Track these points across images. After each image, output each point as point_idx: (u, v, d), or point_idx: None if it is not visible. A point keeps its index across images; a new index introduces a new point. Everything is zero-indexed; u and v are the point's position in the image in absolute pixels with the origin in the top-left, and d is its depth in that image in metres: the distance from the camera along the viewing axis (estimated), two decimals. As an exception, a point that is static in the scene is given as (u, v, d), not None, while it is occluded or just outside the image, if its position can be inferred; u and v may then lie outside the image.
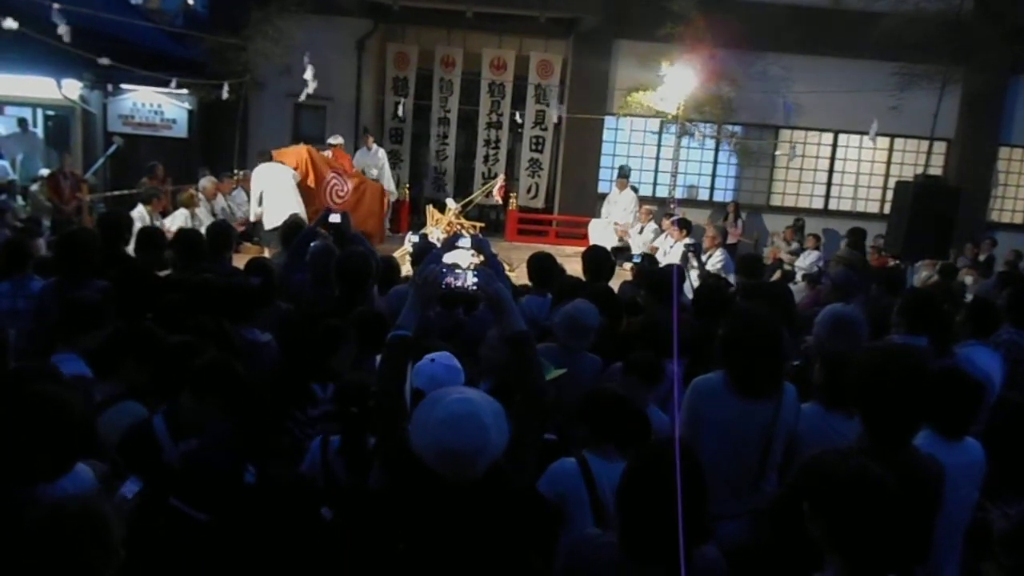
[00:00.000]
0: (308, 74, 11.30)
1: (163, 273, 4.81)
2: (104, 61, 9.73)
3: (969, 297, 7.43)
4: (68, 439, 2.20)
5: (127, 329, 3.33)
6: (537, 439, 2.33)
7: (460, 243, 2.91)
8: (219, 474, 2.56)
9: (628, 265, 8.44)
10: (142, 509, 2.29)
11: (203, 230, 6.20)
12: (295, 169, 10.03)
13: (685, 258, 8.29)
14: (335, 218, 5.45)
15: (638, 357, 3.54)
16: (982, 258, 12.05)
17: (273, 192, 9.69)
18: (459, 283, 2.35)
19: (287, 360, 3.84)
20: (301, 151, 10.37)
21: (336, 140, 11.38)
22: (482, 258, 3.04)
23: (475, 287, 2.35)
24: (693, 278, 7.51)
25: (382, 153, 12.69)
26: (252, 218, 10.01)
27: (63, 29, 8.41)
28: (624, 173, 12.72)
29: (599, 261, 5.43)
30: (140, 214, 8.27)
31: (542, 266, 5.09)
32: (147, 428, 2.79)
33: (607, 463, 2.76)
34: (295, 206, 9.37)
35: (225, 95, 11.67)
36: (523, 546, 2.06)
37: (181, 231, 5.63)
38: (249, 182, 10.36)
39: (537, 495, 2.60)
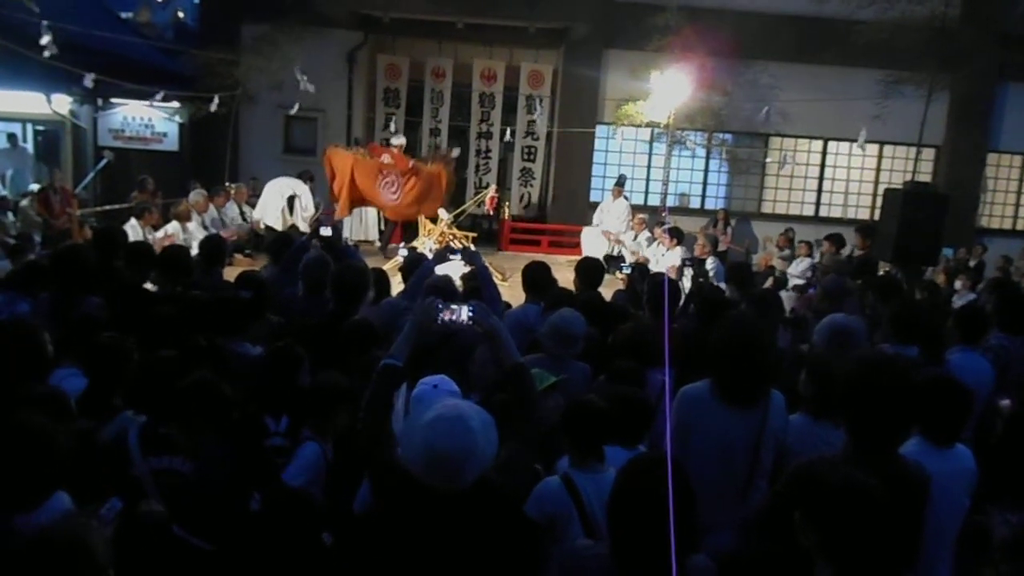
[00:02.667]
0: (303, 84, 11.40)
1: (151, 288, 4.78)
2: (88, 82, 9.65)
3: (958, 302, 7.47)
4: (49, 470, 2.17)
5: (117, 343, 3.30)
6: (529, 466, 2.34)
7: (451, 255, 2.92)
8: (220, 501, 2.51)
9: (620, 274, 8.45)
10: (128, 531, 2.26)
11: (195, 244, 6.20)
12: (331, 177, 10.59)
13: (681, 271, 8.33)
14: (326, 231, 5.46)
15: (622, 366, 3.54)
16: (972, 264, 12.10)
17: (272, 196, 10.85)
18: (455, 317, 2.38)
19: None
20: (348, 161, 10.64)
21: (398, 140, 11.49)
22: (473, 267, 3.05)
23: (471, 321, 2.38)
24: (686, 287, 7.53)
25: None
26: (256, 216, 10.93)
27: (48, 41, 8.37)
28: (620, 182, 12.78)
29: (592, 271, 5.44)
30: (132, 228, 8.28)
31: (537, 275, 5.09)
32: (121, 442, 2.78)
33: (591, 476, 2.75)
34: (277, 216, 10.61)
35: (214, 107, 11.66)
36: (512, 558, 2.05)
37: (166, 249, 5.59)
38: (241, 195, 11.32)
39: (524, 515, 2.60)
